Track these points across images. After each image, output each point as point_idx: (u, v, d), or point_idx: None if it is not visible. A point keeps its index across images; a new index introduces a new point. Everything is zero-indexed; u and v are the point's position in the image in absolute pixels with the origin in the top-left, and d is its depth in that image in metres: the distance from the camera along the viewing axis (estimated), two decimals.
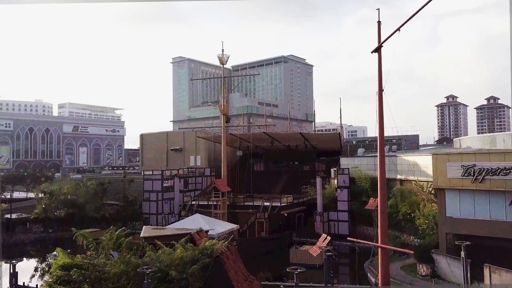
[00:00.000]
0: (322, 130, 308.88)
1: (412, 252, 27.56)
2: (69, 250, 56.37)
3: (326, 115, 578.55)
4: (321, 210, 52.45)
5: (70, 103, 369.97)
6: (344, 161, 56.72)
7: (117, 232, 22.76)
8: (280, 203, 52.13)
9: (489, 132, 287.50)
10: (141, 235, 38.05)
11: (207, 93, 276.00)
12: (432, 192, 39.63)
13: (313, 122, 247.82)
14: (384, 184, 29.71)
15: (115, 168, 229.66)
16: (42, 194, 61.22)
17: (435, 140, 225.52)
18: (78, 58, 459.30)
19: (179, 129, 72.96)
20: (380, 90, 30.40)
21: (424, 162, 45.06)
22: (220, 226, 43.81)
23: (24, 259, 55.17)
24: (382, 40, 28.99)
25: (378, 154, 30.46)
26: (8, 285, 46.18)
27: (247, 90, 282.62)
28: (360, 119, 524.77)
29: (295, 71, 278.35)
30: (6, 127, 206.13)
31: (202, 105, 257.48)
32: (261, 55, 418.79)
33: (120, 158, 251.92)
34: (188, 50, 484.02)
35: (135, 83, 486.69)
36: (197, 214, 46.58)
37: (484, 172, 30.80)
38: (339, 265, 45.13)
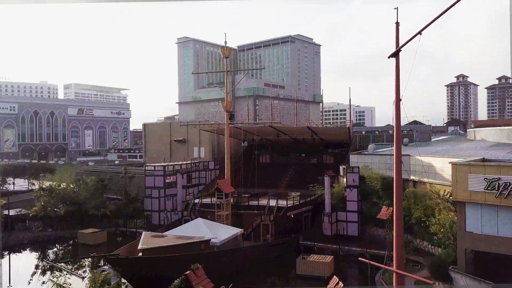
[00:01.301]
0: (329, 111, 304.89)
1: (432, 282, 25.29)
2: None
3: (333, 93, 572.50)
4: (329, 210, 50.12)
5: (75, 83, 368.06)
6: (354, 159, 54.02)
7: (102, 277, 20.51)
8: (287, 204, 49.85)
9: (500, 113, 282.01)
10: (139, 247, 36.08)
11: (213, 74, 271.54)
12: (449, 200, 37.04)
13: (321, 103, 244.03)
14: (401, 206, 27.28)
15: (121, 151, 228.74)
16: (42, 191, 59.37)
17: (445, 122, 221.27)
18: (84, 39, 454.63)
19: (180, 125, 70.50)
20: (398, 99, 27.62)
21: (439, 164, 42.39)
22: (224, 232, 41.73)
23: (25, 252, 54.01)
24: (400, 44, 26.08)
25: (394, 171, 27.85)
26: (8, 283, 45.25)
27: (253, 71, 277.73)
28: (368, 98, 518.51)
29: (302, 51, 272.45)
30: (10, 110, 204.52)
31: (207, 87, 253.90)
32: (268, 34, 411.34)
33: (126, 140, 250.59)
34: (194, 29, 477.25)
35: (141, 63, 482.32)
36: (199, 218, 44.46)
37: (510, 187, 28.12)
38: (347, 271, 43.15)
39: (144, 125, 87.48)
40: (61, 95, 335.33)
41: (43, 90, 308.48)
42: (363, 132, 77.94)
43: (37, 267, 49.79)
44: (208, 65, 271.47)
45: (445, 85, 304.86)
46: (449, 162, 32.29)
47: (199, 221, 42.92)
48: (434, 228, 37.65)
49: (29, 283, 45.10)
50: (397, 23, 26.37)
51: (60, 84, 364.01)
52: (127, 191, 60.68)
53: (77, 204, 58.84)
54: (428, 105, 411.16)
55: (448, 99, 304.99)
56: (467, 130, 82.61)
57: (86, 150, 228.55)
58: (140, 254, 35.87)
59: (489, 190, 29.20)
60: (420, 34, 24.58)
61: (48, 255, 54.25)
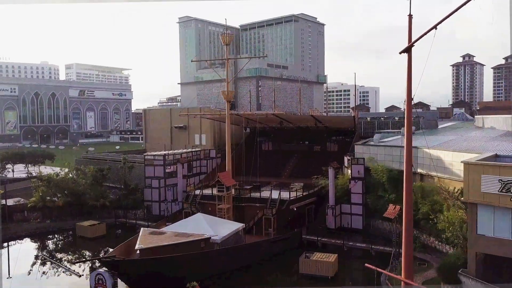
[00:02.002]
0: (333, 92, 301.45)
1: None
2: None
3: (337, 73, 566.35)
4: (333, 203, 48.79)
5: (77, 63, 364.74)
6: (359, 149, 52.34)
7: None
8: (289, 196, 48.43)
9: (506, 93, 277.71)
10: (136, 246, 34.84)
11: (215, 54, 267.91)
12: (459, 198, 35.47)
13: (325, 84, 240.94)
14: (411, 212, 25.80)
15: (123, 133, 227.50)
16: (40, 181, 58.14)
17: (450, 104, 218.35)
18: (86, 18, 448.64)
19: (179, 115, 68.65)
20: (409, 99, 25.80)
21: (449, 158, 40.72)
22: (224, 228, 40.51)
23: (24, 244, 53.20)
24: (413, 39, 24.08)
25: (404, 175, 26.24)
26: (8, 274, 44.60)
27: (256, 51, 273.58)
28: (372, 76, 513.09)
29: (306, 30, 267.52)
30: (11, 92, 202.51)
31: (209, 67, 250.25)
32: (271, 13, 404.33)
33: (128, 122, 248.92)
34: (196, 8, 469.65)
35: (143, 43, 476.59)
36: (199, 214, 43.22)
37: None
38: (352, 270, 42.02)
39: (145, 110, 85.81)
40: (62, 76, 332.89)
41: (44, 70, 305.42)
42: (368, 118, 75.88)
43: (37, 257, 49.19)
44: (210, 46, 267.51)
45: (451, 65, 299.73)
46: (461, 161, 30.60)
47: (199, 216, 41.68)
48: (442, 225, 36.24)
49: (29, 273, 44.54)
50: (410, 16, 24.27)
51: (61, 64, 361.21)
52: (126, 182, 59.47)
53: (76, 195, 57.71)
54: (432, 85, 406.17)
55: (453, 79, 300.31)
56: (475, 116, 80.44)
57: (88, 132, 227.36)
58: (138, 252, 34.76)
59: (503, 192, 27.58)
60: (436, 28, 22.59)
61: (48, 245, 53.52)
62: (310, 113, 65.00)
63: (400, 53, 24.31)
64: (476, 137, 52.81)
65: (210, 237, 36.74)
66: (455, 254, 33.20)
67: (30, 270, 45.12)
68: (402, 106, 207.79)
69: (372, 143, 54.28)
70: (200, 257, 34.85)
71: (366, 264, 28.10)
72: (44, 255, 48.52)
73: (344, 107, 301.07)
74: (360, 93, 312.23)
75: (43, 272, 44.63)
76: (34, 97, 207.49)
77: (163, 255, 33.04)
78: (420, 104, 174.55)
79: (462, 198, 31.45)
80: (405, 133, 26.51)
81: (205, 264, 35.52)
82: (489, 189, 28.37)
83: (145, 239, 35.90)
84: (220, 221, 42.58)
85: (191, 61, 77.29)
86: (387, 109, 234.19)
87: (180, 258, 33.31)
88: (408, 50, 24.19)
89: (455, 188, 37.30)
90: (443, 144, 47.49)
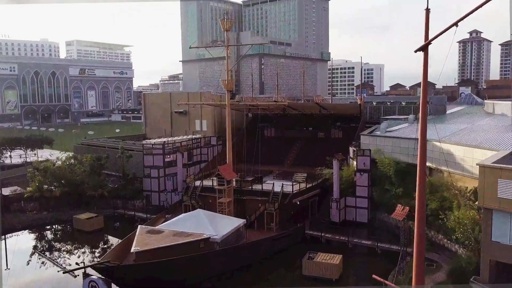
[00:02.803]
0: (337, 69, 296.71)
1: None
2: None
3: (342, 50, 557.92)
4: (337, 196, 47.13)
5: (77, 40, 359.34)
6: (365, 140, 50.32)
7: None
8: (292, 189, 46.66)
9: None
10: (132, 249, 33.28)
11: (217, 31, 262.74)
12: (471, 198, 33.73)
13: (329, 61, 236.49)
14: (423, 219, 24.03)
15: (124, 112, 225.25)
16: (36, 171, 56.60)
17: (456, 82, 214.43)
18: None
19: (178, 104, 66.27)
20: (424, 99, 23.70)
21: (460, 153, 38.77)
22: (225, 225, 38.95)
23: (21, 236, 52.17)
24: (430, 37, 21.78)
25: (417, 181, 24.38)
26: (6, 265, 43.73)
27: (259, 28, 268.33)
28: (377, 53, 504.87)
29: (310, 6, 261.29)
30: (11, 71, 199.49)
31: (212, 44, 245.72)
32: None
33: (130, 100, 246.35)
34: None
35: (146, 19, 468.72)
36: (199, 210, 41.61)
37: None
38: (357, 268, 40.62)
39: (144, 95, 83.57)
40: (62, 53, 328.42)
41: (44, 48, 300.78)
42: (374, 103, 73.51)
43: (35, 247, 48.29)
44: (212, 22, 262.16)
45: (457, 41, 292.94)
46: (477, 164, 28.66)
47: (199, 213, 40.12)
48: (452, 224, 34.61)
49: (28, 263, 43.74)
50: (428, 10, 21.88)
51: (61, 41, 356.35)
52: (125, 172, 57.90)
53: (73, 185, 56.25)
54: (437, 62, 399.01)
55: (459, 57, 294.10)
56: (485, 101, 77.73)
57: (89, 111, 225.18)
58: (134, 253, 33.33)
59: None
60: (457, 26, 20.25)
61: (46, 237, 52.42)
62: (315, 101, 62.64)
63: (416, 51, 22.06)
64: (487, 127, 50.71)
65: (210, 237, 35.24)
66: (466, 258, 31.63)
67: (29, 260, 44.31)
68: (407, 86, 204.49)
69: (378, 133, 52.18)
70: (199, 259, 33.44)
71: (374, 276, 26.57)
72: (41, 252, 47.26)
73: (348, 84, 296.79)
74: (364, 70, 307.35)
75: (42, 262, 43.85)
76: (34, 76, 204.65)
77: (160, 257, 31.58)
78: None
79: (477, 202, 29.65)
80: (419, 135, 24.56)
81: (205, 266, 34.16)
82: (507, 195, 26.55)
83: (142, 239, 34.41)
84: (221, 217, 41.03)
85: (190, 47, 74.10)
86: (391, 87, 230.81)
87: (178, 261, 31.89)
88: (424, 49, 21.95)
89: (467, 187, 35.50)
90: (454, 135, 45.47)
